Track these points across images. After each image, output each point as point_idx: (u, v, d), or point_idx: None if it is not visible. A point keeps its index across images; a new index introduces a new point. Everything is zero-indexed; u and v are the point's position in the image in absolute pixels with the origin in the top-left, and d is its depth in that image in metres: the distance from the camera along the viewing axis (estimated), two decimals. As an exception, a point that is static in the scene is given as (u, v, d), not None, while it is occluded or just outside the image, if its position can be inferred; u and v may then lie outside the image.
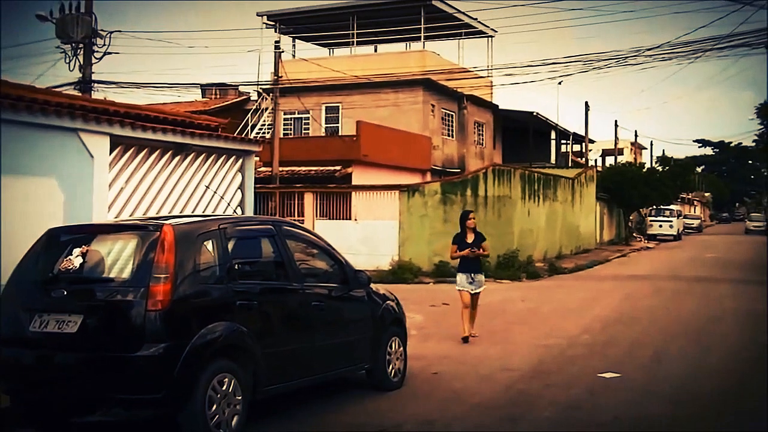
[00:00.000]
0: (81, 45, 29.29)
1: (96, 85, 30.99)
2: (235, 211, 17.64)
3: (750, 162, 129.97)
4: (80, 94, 26.23)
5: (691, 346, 15.60)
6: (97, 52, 29.80)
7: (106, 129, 15.47)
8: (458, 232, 16.55)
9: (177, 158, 17.24)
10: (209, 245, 9.03)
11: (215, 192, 17.74)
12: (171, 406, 8.23)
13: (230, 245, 9.35)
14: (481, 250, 16.16)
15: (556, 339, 16.13)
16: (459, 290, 16.26)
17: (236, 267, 9.29)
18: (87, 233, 9.35)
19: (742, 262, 40.40)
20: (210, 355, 8.47)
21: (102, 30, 29.82)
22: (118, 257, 8.79)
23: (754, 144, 41.06)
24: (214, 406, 8.42)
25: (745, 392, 11.83)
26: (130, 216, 15.88)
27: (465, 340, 15.88)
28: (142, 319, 8.09)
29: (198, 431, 8.29)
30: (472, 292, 16.17)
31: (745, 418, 10.41)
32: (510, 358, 14.11)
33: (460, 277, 16.23)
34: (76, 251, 8.75)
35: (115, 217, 15.43)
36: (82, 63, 29.43)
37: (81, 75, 29.47)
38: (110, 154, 15.72)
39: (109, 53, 30.10)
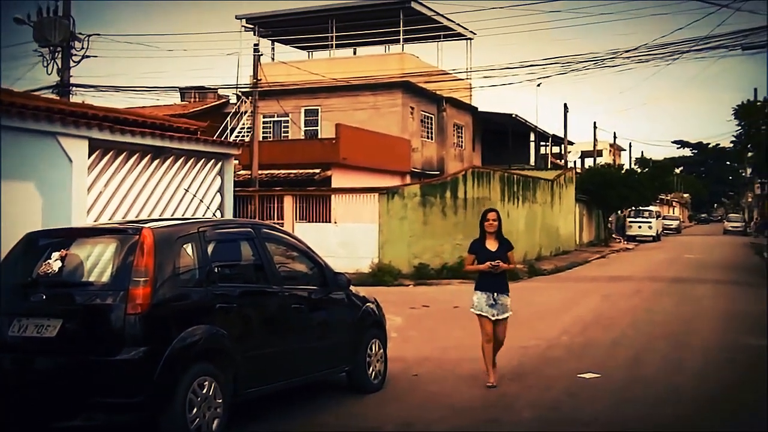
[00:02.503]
0: (59, 48, 29.22)
1: (74, 88, 30.95)
2: (214, 214, 17.64)
3: (728, 163, 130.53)
4: (58, 98, 26.17)
5: (670, 347, 15.66)
6: (76, 55, 29.75)
7: (85, 133, 15.46)
8: (476, 238, 12.47)
9: (156, 161, 17.24)
10: (189, 248, 9.03)
11: (194, 195, 17.75)
12: (151, 410, 8.20)
13: (210, 248, 9.35)
14: (507, 263, 12.20)
15: (535, 340, 16.15)
16: (477, 315, 12.23)
17: (216, 270, 9.29)
18: (66, 237, 9.32)
19: (721, 263, 40.55)
20: (190, 359, 8.47)
21: (80, 33, 29.80)
22: (97, 261, 8.78)
23: (731, 145, 41.42)
24: (195, 410, 8.41)
25: (725, 392, 11.89)
26: (109, 220, 15.87)
27: (493, 386, 11.96)
28: (122, 323, 8.09)
29: (178, 435, 8.28)
30: (494, 318, 12.11)
31: (725, 418, 10.47)
32: (490, 360, 14.12)
33: (479, 298, 12.17)
34: (55, 255, 8.74)
35: (94, 221, 15.40)
36: (60, 66, 29.36)
37: (59, 78, 29.41)
38: (89, 157, 15.71)
39: (88, 56, 30.10)
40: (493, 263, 11.92)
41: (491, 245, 12.16)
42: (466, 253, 12.70)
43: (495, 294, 12.07)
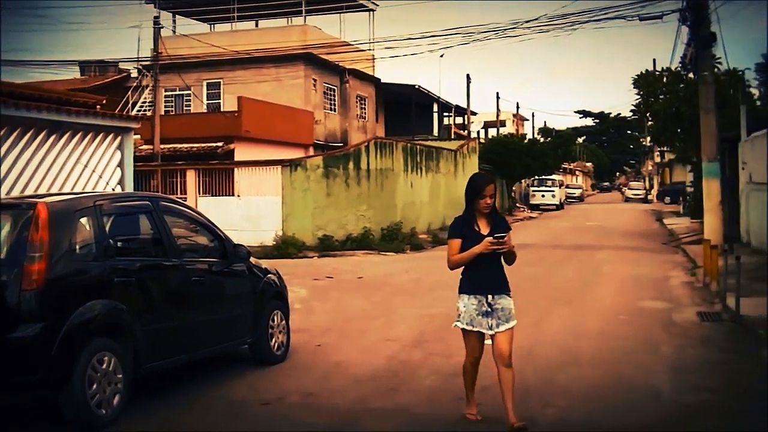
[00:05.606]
0: (-49, 22, 28.57)
1: (-32, 63, 30.26)
2: (114, 189, 17.44)
3: (629, 132, 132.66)
4: (-49, 73, 25.61)
5: (570, 311, 15.96)
6: (-31, 29, 29.10)
7: (-23, 107, 15.14)
8: (459, 215, 8.76)
9: (53, 136, 16.95)
10: (85, 222, 8.92)
11: (93, 170, 17.51)
12: (50, 388, 8.12)
13: (107, 222, 9.26)
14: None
15: (438, 308, 16.26)
16: (462, 329, 8.85)
17: (114, 244, 9.20)
18: (-42, 214, 9.14)
19: (621, 229, 41.36)
20: (88, 334, 8.38)
21: (-27, 6, 29.16)
22: (-9, 237, 8.62)
23: (631, 114, 42.20)
24: (95, 386, 8.35)
25: (622, 352, 12.14)
26: (5, 196, 15.59)
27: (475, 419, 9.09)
28: (17, 300, 7.96)
29: (78, 411, 8.22)
30: (492, 332, 8.77)
31: (623, 378, 10.69)
32: (393, 329, 14.24)
33: (466, 304, 8.72)
34: (-53, 233, 8.56)
35: (-10, 198, 15.11)
36: (-48, 40, 28.70)
37: (-48, 53, 28.74)
38: (-18, 133, 15.40)
39: (-19, 30, 29.41)
40: (496, 236, 8.44)
41: (483, 227, 8.59)
42: (448, 239, 8.86)
43: (490, 296, 8.78)
